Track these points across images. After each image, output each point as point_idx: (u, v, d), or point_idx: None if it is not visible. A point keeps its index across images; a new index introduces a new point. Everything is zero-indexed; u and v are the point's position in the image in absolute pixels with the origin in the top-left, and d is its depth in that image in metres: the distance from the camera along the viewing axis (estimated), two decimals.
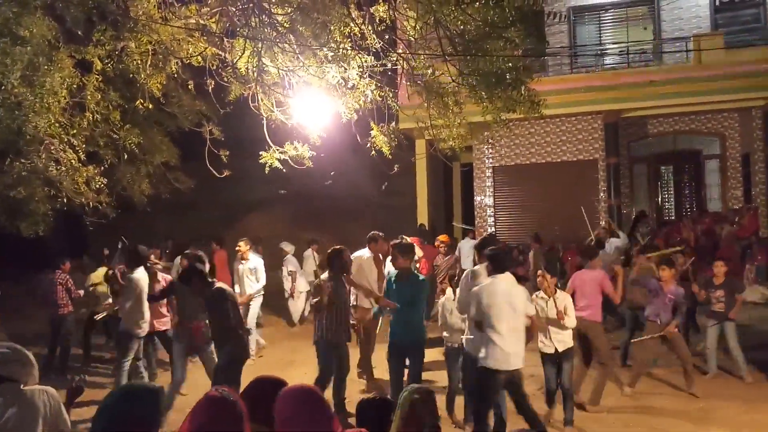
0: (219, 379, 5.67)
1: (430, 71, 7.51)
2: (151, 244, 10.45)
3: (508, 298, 5.06)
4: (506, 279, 5.15)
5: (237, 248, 9.17)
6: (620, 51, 15.05)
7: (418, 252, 8.18)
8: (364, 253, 7.54)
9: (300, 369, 8.35)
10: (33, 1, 6.49)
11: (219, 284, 6.06)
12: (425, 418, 2.98)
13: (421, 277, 6.27)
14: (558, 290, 6.15)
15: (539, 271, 6.28)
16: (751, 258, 11.85)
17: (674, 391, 7.15)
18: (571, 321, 6.02)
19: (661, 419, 6.28)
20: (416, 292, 5.95)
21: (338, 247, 6.45)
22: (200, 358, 6.60)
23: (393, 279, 6.14)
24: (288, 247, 11.60)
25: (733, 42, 13.67)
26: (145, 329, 7.07)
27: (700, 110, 14.68)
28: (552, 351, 6.08)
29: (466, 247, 11.82)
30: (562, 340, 6.06)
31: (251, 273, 9.02)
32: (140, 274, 7.03)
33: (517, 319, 5.11)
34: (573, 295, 6.58)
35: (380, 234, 7.58)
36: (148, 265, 7.38)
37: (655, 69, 13.80)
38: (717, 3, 14.63)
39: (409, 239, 7.81)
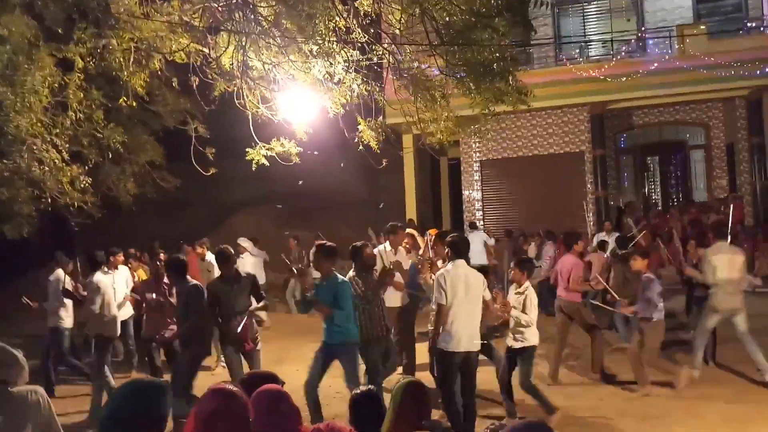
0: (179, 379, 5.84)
1: (416, 64, 7.48)
2: (137, 244, 10.38)
3: (465, 282, 5.34)
4: (464, 264, 5.43)
5: (198, 250, 9.38)
6: (604, 43, 15.12)
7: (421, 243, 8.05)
8: (385, 246, 7.32)
9: (292, 366, 8.30)
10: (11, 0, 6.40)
11: (195, 282, 6.11)
12: (417, 412, 2.96)
13: (341, 278, 5.89)
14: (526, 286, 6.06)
15: (512, 264, 6.39)
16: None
17: (666, 379, 7.19)
18: (525, 317, 5.90)
19: (653, 408, 6.32)
20: (337, 294, 5.69)
21: (359, 243, 6.24)
22: (246, 357, 6.21)
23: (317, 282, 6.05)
24: (245, 243, 10.89)
25: (715, 32, 13.78)
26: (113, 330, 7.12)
27: (685, 101, 14.80)
28: (509, 344, 6.04)
29: (477, 240, 11.18)
30: (517, 337, 5.97)
31: (209, 270, 9.20)
32: (100, 277, 7.05)
33: (473, 303, 5.39)
34: (556, 278, 7.65)
35: (399, 224, 7.32)
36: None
37: (639, 60, 13.87)
38: None
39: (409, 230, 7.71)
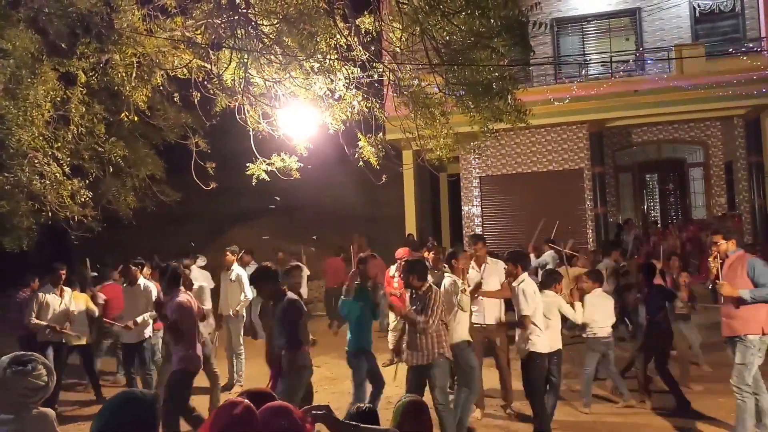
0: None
1: (416, 82, 7.55)
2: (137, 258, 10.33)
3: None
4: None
5: (226, 257, 9.00)
6: (603, 61, 15.22)
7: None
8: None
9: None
10: (15, 14, 6.46)
11: (292, 295, 5.18)
12: (417, 430, 2.95)
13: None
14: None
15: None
16: None
17: (661, 395, 7.17)
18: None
19: (648, 427, 6.30)
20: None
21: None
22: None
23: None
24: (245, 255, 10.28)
25: (713, 52, 13.89)
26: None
27: (683, 119, 14.88)
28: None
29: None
30: None
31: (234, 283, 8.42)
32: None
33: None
34: None
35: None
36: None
37: (638, 79, 13.96)
38: (697, 14, 14.88)
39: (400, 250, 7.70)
